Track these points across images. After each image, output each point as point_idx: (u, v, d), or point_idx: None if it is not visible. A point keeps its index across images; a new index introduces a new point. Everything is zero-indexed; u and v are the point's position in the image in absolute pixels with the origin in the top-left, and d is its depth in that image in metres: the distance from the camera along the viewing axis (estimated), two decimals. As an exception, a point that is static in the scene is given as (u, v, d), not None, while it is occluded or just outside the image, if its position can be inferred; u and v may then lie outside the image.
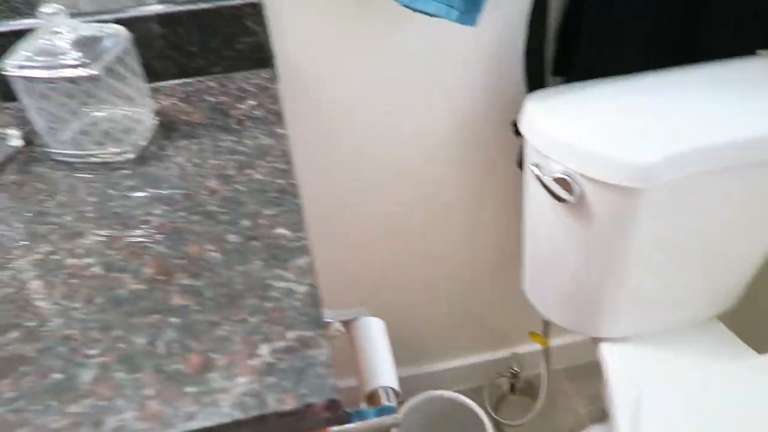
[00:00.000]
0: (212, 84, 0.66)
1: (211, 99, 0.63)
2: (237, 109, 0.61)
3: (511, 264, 1.06)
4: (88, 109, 0.56)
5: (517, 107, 0.84)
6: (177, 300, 0.42)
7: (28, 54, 0.49)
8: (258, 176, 0.53)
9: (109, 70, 0.51)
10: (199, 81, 0.66)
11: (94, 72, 0.49)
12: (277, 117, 0.60)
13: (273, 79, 0.67)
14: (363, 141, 0.83)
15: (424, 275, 1.04)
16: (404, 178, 0.89)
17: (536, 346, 1.20)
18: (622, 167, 0.64)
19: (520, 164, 0.89)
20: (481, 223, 0.98)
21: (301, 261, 0.44)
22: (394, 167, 0.87)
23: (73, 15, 0.60)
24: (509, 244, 1.03)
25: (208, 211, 0.49)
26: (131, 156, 0.55)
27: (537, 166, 0.72)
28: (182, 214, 0.49)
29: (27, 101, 0.52)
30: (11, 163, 0.56)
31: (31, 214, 0.50)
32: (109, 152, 0.54)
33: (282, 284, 0.42)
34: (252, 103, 0.62)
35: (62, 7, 0.50)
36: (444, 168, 0.89)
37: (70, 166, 0.55)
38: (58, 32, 0.50)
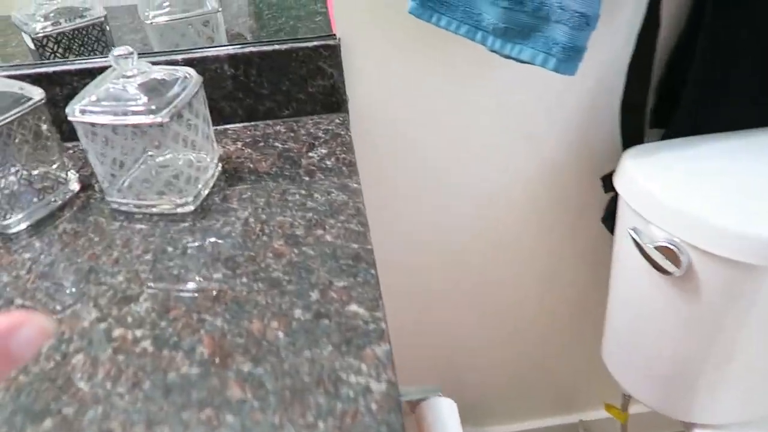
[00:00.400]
0: (281, 128, 0.61)
1: (280, 145, 0.58)
2: (307, 158, 0.56)
3: (587, 325, 0.96)
4: (151, 155, 0.52)
5: (607, 161, 0.76)
6: (234, 391, 0.36)
7: (94, 98, 0.45)
8: (329, 238, 0.47)
9: (177, 116, 0.46)
10: (267, 125, 0.62)
11: (161, 120, 0.44)
12: (350, 168, 0.54)
13: (345, 124, 0.61)
14: (433, 192, 0.77)
15: (493, 331, 0.95)
16: (479, 229, 0.82)
17: (605, 413, 1.09)
18: (746, 241, 0.55)
19: (606, 221, 0.81)
20: (559, 278, 0.90)
21: (379, 349, 0.37)
22: (469, 217, 0.80)
23: (146, 54, 0.57)
24: (588, 304, 0.94)
25: (272, 279, 0.43)
26: (192, 208, 0.50)
27: (635, 230, 0.63)
28: (244, 280, 0.43)
29: (88, 146, 0.48)
30: (67, 208, 0.52)
31: (82, 271, 0.45)
32: (170, 203, 0.50)
33: (356, 379, 0.36)
34: (323, 151, 0.57)
35: (132, 49, 0.46)
36: (523, 220, 0.82)
37: (128, 216, 0.50)
38: (127, 75, 0.46)
